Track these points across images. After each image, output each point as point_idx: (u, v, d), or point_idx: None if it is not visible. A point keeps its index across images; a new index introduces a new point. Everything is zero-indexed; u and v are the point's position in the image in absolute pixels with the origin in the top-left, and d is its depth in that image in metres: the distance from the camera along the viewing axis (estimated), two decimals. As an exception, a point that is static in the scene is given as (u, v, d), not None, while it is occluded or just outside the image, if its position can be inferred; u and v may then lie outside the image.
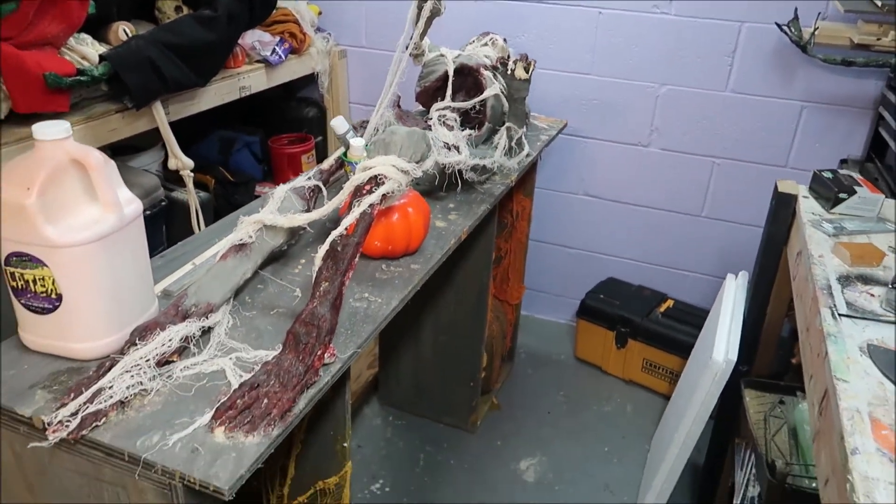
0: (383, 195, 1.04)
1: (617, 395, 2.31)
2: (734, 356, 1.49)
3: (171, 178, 1.93)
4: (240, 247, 1.06)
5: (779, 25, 1.86)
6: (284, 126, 2.40)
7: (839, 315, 1.00)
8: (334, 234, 1.00)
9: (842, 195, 1.33)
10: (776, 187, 1.46)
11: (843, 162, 2.02)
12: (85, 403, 0.81)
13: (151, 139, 1.94)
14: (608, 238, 2.46)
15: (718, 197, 2.27)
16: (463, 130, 1.51)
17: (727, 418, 1.63)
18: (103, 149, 1.82)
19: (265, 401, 0.85)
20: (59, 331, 0.88)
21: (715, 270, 2.37)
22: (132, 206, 0.91)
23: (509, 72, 1.57)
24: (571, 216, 2.47)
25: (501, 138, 1.65)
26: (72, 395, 0.82)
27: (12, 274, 0.85)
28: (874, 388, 0.86)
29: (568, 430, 2.15)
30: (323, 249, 1.00)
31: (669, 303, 2.35)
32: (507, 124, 1.63)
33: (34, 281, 0.85)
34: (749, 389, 1.47)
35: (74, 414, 0.80)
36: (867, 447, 0.76)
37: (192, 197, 1.76)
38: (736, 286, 1.77)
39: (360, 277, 1.16)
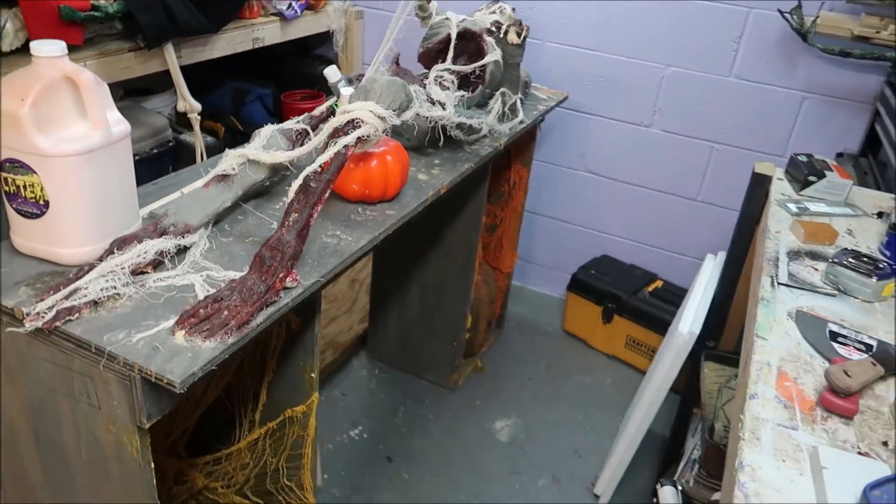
0: (358, 138, 1.10)
1: (598, 368, 2.37)
2: (698, 329, 1.53)
3: (182, 123, 2.01)
4: (223, 177, 1.14)
5: (781, 12, 1.88)
6: (298, 82, 2.46)
7: (777, 283, 1.05)
8: (308, 169, 1.07)
9: (811, 178, 1.36)
10: (754, 168, 1.49)
11: (839, 155, 2.04)
12: (61, 300, 0.89)
13: (165, 83, 2.02)
14: (605, 215, 2.51)
15: (715, 182, 2.30)
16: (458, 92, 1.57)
17: (691, 391, 1.69)
18: (117, 86, 1.91)
19: (225, 312, 0.92)
20: (45, 236, 0.96)
21: (706, 254, 2.40)
22: (120, 126, 0.98)
23: (502, 35, 1.61)
24: (570, 191, 2.52)
25: (496, 103, 1.70)
26: (51, 292, 0.91)
27: (6, 179, 0.94)
28: (790, 348, 0.91)
29: (546, 396, 2.21)
30: (297, 183, 1.07)
31: (658, 283, 2.39)
32: (501, 89, 1.68)
33: (25, 187, 0.93)
34: (709, 362, 1.52)
35: (51, 308, 0.88)
36: (766, 394, 0.81)
37: (197, 139, 1.84)
38: (714, 265, 1.81)
39: (336, 217, 1.23)
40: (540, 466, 1.95)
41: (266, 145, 1.19)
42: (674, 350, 1.57)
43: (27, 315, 0.87)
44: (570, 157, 2.47)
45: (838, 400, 0.80)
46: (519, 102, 1.79)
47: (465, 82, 1.67)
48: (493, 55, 1.65)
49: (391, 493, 1.81)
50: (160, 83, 2.00)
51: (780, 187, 1.42)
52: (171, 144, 1.86)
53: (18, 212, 0.96)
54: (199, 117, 1.82)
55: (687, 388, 1.73)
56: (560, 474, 1.93)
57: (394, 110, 1.18)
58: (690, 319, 1.57)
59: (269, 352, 1.30)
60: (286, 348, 1.29)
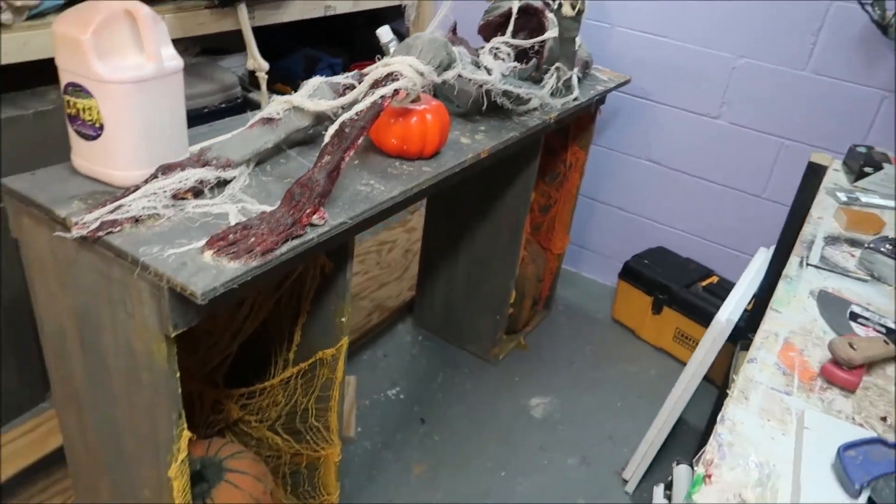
0: (395, 90, 1.14)
1: (644, 358, 2.33)
2: (736, 317, 1.50)
3: (253, 84, 2.11)
4: (267, 120, 1.20)
5: (861, 3, 1.79)
6: (368, 54, 2.53)
7: (806, 264, 1.02)
8: (344, 116, 1.12)
9: (867, 169, 1.31)
10: (810, 158, 1.44)
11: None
12: (106, 214, 0.97)
13: (240, 45, 2.12)
14: (664, 206, 2.46)
15: (782, 179, 2.21)
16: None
17: (728, 383, 1.65)
18: (193, 42, 2.02)
19: (252, 239, 0.98)
20: (99, 157, 1.05)
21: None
22: (173, 62, 1.05)
23: (556, 7, 1.61)
24: (630, 180, 2.48)
25: (551, 78, 1.70)
26: (99, 207, 0.99)
27: (68, 102, 1.03)
28: (804, 323, 0.89)
29: (586, 380, 2.20)
30: (333, 128, 1.12)
31: (713, 279, 2.33)
32: (556, 64, 1.68)
33: (84, 110, 1.02)
34: (744, 352, 1.48)
35: (96, 220, 0.96)
36: (767, 360, 0.80)
37: (263, 97, 1.93)
38: (765, 258, 1.75)
39: (373, 169, 1.27)
40: (570, 446, 1.95)
41: (312, 94, 1.25)
42: (710, 337, 1.54)
43: (75, 224, 0.96)
44: (632, 145, 2.44)
45: (840, 372, 0.78)
46: (575, 79, 1.79)
47: (522, 57, 1.69)
48: (553, 31, 1.65)
49: (420, 452, 1.85)
50: (235, 45, 2.10)
51: (834, 178, 1.37)
52: (239, 101, 1.96)
53: (78, 133, 1.05)
54: (266, 76, 1.91)
55: (725, 380, 1.70)
56: (590, 456, 1.92)
57: (434, 67, 1.21)
58: (730, 308, 1.53)
59: (304, 294, 1.37)
60: (320, 292, 1.35)
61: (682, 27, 2.19)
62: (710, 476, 0.61)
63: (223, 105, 1.91)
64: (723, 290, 2.28)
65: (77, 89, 1.00)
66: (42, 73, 1.31)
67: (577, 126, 2.16)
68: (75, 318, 1.08)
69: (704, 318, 2.21)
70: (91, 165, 1.07)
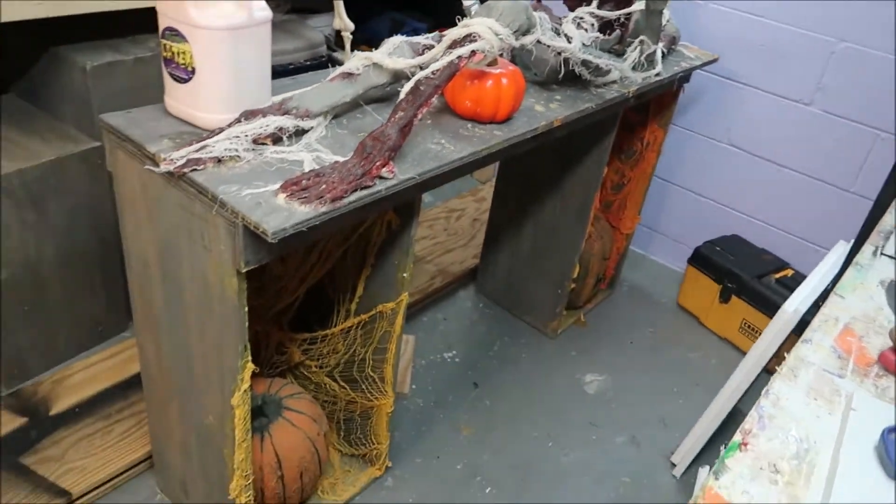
0: (472, 51, 1.16)
1: (706, 347, 2.29)
2: (804, 308, 1.45)
3: (339, 44, 2.16)
4: (347, 75, 1.24)
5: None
6: (452, 20, 2.54)
7: (880, 254, 0.99)
8: (420, 74, 1.14)
9: (963, 161, 1.23)
10: (902, 147, 1.37)
11: None
12: (192, 152, 1.04)
13: (329, 7, 2.17)
14: (742, 193, 2.39)
15: (874, 174, 2.11)
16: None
17: (790, 376, 1.61)
18: (285, 0, 2.08)
19: (323, 186, 1.03)
20: (189, 99, 1.12)
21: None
22: (262, 13, 1.10)
23: (644, -23, 1.58)
24: (709, 163, 2.42)
25: (634, 51, 1.67)
26: (185, 146, 1.05)
27: (164, 45, 1.09)
28: (868, 310, 0.86)
29: (644, 362, 2.19)
30: (408, 85, 1.15)
31: (788, 272, 2.26)
32: (640, 37, 1.65)
33: (178, 53, 1.08)
34: (811, 343, 1.44)
35: (182, 157, 1.03)
36: (823, 342, 0.78)
37: (347, 57, 1.97)
38: (843, 251, 1.68)
39: (445, 129, 1.29)
40: (621, 425, 1.94)
41: (392, 53, 1.27)
42: (775, 327, 1.50)
43: (163, 160, 1.03)
44: (714, 127, 2.37)
45: (898, 359, 0.75)
46: (659, 54, 1.75)
47: (606, 29, 1.66)
48: (640, 4, 1.62)
49: (470, 414, 1.89)
50: (324, 5, 2.15)
51: (926, 168, 1.30)
52: (323, 59, 2.02)
53: (171, 76, 1.11)
54: (350, 36, 1.95)
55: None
56: (640, 437, 1.92)
57: (513, 31, 1.21)
58: (799, 299, 1.49)
59: (369, 247, 1.41)
60: (385, 247, 1.40)
61: (781, 7, 2.10)
62: (746, 444, 0.62)
63: (308, 62, 1.97)
64: (797, 283, 2.19)
65: (173, 33, 1.07)
66: (145, 20, 1.39)
67: (657, 103, 2.11)
68: (158, 250, 1.16)
69: (774, 310, 2.13)
70: (181, 107, 1.14)
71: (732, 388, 1.62)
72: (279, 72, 1.94)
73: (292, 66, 1.94)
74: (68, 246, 1.70)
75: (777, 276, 2.23)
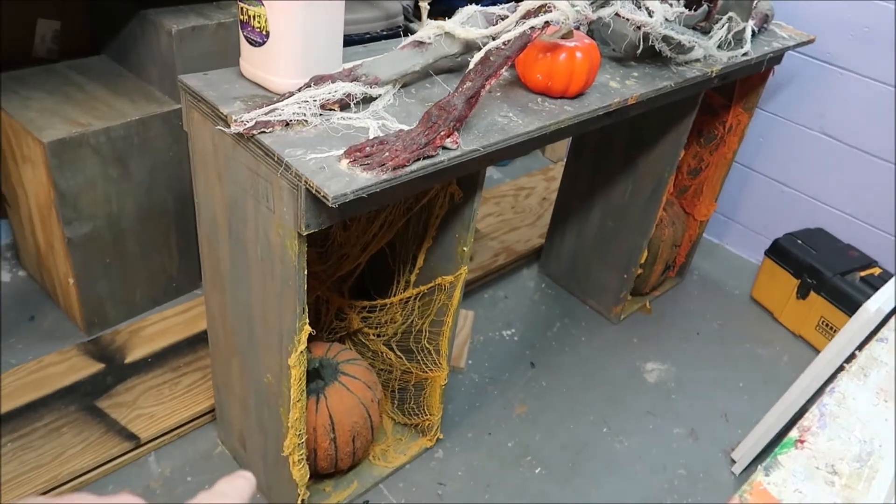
0: (546, 22, 1.12)
1: (779, 343, 2.20)
2: (888, 308, 1.37)
3: (417, 15, 2.15)
4: (418, 43, 1.23)
5: None
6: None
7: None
8: (491, 44, 1.12)
9: None
10: None
11: None
12: (262, 115, 1.06)
13: (409, -25, 2.16)
14: (831, 185, 2.25)
15: (980, 170, 1.95)
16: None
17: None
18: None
19: (386, 153, 1.03)
20: (263, 63, 1.13)
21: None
22: (337, -22, 1.10)
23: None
24: (797, 152, 2.29)
25: (721, 28, 1.59)
26: (256, 108, 1.07)
27: (241, 8, 1.11)
28: (957, 311, 0.79)
29: (709, 355, 2.12)
30: (478, 55, 1.13)
31: (875, 270, 2.13)
32: (729, 14, 1.57)
33: (254, 17, 1.10)
34: (892, 346, 1.35)
35: (252, 119, 1.05)
36: (900, 342, 0.73)
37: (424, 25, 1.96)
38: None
39: (514, 103, 1.27)
40: (680, 416, 1.89)
41: (465, 22, 1.26)
42: (854, 326, 1.42)
43: (234, 121, 1.05)
44: (805, 114, 2.24)
45: (985, 366, 0.69)
46: (749, 33, 1.66)
47: (693, 4, 1.59)
48: (731, -23, 1.54)
49: (525, 393, 1.88)
50: (404, -27, 2.14)
51: None
52: (400, 29, 2.01)
53: (247, 39, 1.13)
54: (428, 6, 1.94)
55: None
56: (700, 430, 1.86)
57: (590, 3, 1.17)
58: (883, 298, 1.40)
59: (431, 220, 1.41)
60: (447, 219, 1.39)
61: (887, -14, 1.95)
62: (802, 441, 0.58)
63: (384, 32, 1.97)
64: (883, 283, 2.07)
65: (249, -4, 1.08)
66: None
67: (744, 85, 2.01)
68: (226, 209, 1.20)
69: (856, 310, 2.03)
70: (255, 70, 1.15)
71: (802, 387, 1.55)
72: (356, 41, 1.96)
73: (369, 36, 1.95)
74: (147, 203, 1.78)
75: (862, 273, 2.11)
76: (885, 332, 0.74)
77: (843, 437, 0.59)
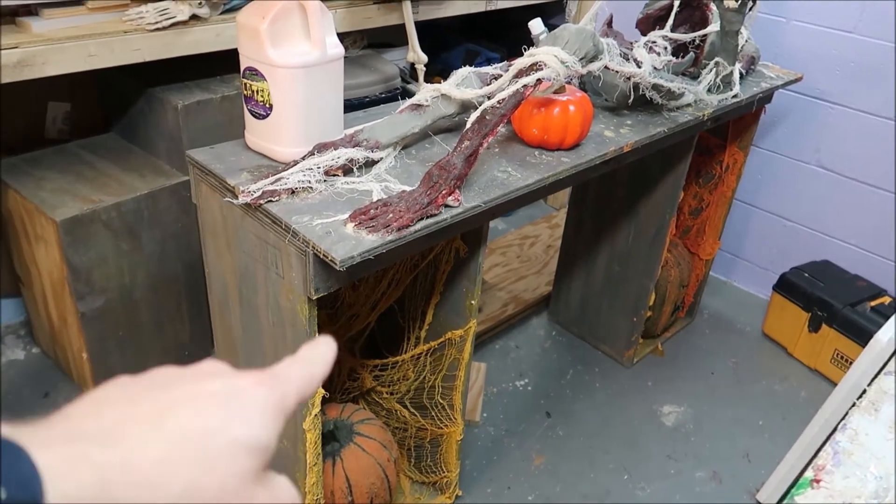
0: (538, 80, 1.17)
1: (794, 378, 2.18)
2: (900, 338, 1.36)
3: (414, 76, 2.22)
4: (416, 106, 1.27)
5: None
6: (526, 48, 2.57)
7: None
8: (487, 104, 1.16)
9: None
10: None
11: None
12: (268, 185, 1.09)
13: (404, 40, 2.24)
14: (833, 217, 2.27)
15: (979, 194, 1.97)
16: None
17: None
18: (361, 35, 2.16)
19: (390, 215, 1.05)
20: (267, 134, 1.17)
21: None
22: (335, 49, 1.15)
23: (719, -1, 1.55)
24: (796, 186, 2.32)
25: (709, 73, 1.64)
26: (262, 178, 1.11)
27: (245, 84, 1.16)
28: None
29: (726, 394, 2.10)
30: (475, 115, 1.17)
31: (885, 299, 2.12)
32: (716, 59, 1.62)
33: (257, 91, 1.14)
34: (908, 377, 1.34)
35: (259, 189, 1.08)
36: (910, 375, 0.73)
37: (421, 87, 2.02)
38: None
39: (513, 157, 1.30)
40: (702, 459, 1.87)
41: (460, 83, 1.30)
42: (868, 357, 1.42)
43: (242, 192, 1.08)
44: (800, 149, 2.27)
45: None
46: (737, 75, 1.70)
47: (681, 51, 1.64)
48: (716, 25, 1.59)
49: (542, 443, 1.86)
50: (400, 39, 2.22)
51: None
52: (398, 91, 2.07)
53: (251, 113, 1.18)
54: (424, 68, 2.00)
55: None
56: (722, 472, 1.83)
57: (579, 58, 1.22)
58: (894, 327, 1.40)
59: (438, 275, 1.43)
60: (454, 274, 1.41)
61: (873, 21, 2.00)
62: (818, 481, 0.58)
63: (383, 94, 2.03)
64: (895, 312, 2.07)
65: (253, 73, 1.13)
66: (230, 61, 1.48)
67: (737, 125, 2.05)
68: (237, 277, 1.22)
69: (869, 340, 2.02)
70: (260, 141, 1.20)
71: (821, 422, 1.53)
72: (356, 105, 2.02)
73: (368, 99, 2.01)
74: (159, 273, 1.81)
75: (872, 303, 2.10)
76: (893, 364, 0.75)
77: (859, 474, 0.60)
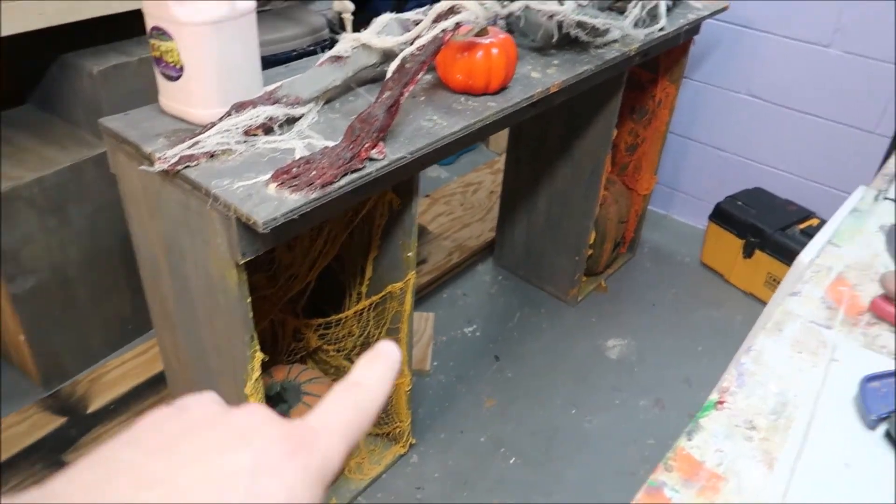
0: (457, 24, 1.15)
1: (731, 304, 2.26)
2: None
3: (343, 26, 2.16)
4: (336, 58, 1.24)
5: None
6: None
7: (882, 198, 0.96)
8: (405, 51, 1.14)
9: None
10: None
11: None
12: (185, 149, 1.06)
13: (329, -12, 2.17)
14: (765, 145, 2.32)
15: (898, 113, 2.03)
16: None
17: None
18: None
19: (313, 172, 1.04)
20: (180, 97, 1.13)
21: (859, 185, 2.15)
22: (246, 3, 1.11)
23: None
24: (728, 116, 2.36)
25: (635, 7, 1.64)
26: (178, 143, 1.08)
27: (153, 45, 1.11)
28: (864, 257, 0.84)
29: (667, 324, 2.17)
30: (394, 64, 1.15)
31: (814, 221, 2.20)
32: (639, -7, 1.61)
33: (166, 52, 1.10)
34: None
35: (176, 155, 1.05)
36: (812, 294, 0.77)
37: (346, 39, 1.97)
38: (862, 196, 1.63)
39: (438, 105, 1.29)
40: (645, 388, 1.94)
41: (381, 31, 1.27)
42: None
43: (158, 159, 1.05)
44: (731, 79, 2.30)
45: (888, 306, 0.74)
46: (663, 8, 1.71)
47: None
48: (637, -43, 1.58)
49: (492, 386, 1.91)
50: (324, -13, 2.15)
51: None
52: (326, 43, 2.02)
53: (163, 75, 1.13)
54: (351, 17, 1.95)
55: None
56: (665, 398, 1.91)
57: (499, 0, 1.20)
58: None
59: (373, 230, 1.43)
60: (389, 228, 1.41)
61: (789, -52, 2.02)
62: (722, 402, 0.61)
63: (311, 47, 1.98)
64: (823, 234, 2.15)
65: (160, 32, 1.08)
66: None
67: (667, 59, 2.06)
68: (164, 247, 1.19)
69: (800, 263, 2.11)
70: (174, 105, 1.16)
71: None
72: (283, 59, 1.96)
73: (296, 53, 1.95)
74: (92, 248, 1.76)
75: (801, 226, 2.18)
76: (799, 285, 0.78)
77: (760, 392, 0.63)
